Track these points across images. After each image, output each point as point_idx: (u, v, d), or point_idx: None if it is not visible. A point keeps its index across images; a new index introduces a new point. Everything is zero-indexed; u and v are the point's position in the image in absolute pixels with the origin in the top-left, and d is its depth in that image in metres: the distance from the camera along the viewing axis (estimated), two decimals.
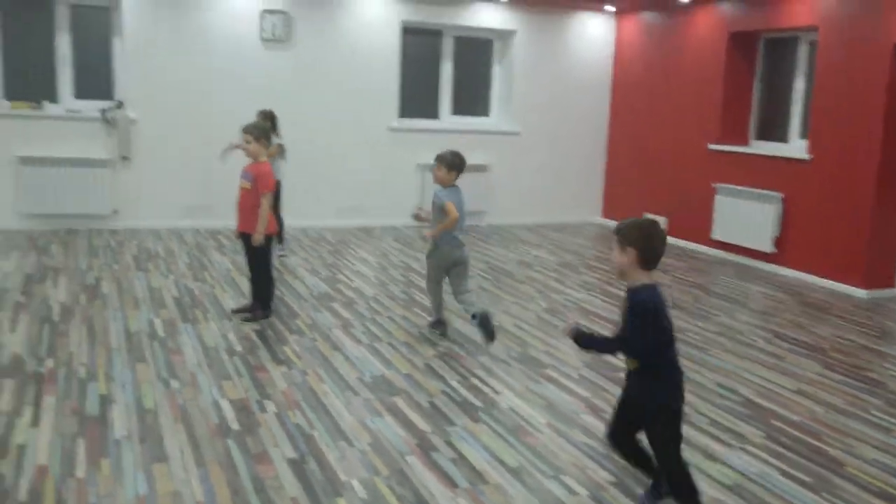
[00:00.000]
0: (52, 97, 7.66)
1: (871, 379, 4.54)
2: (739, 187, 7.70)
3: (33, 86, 7.59)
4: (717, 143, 8.04)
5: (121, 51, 7.72)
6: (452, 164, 5.04)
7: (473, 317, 4.75)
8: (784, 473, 3.31)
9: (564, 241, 8.43)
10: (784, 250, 7.32)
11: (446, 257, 4.84)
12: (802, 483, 3.23)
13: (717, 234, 7.96)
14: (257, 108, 6.81)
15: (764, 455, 3.47)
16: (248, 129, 4.99)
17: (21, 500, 2.76)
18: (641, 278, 2.68)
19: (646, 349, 2.71)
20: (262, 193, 4.86)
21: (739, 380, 4.42)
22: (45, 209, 7.40)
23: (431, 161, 8.61)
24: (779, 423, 3.83)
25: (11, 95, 7.49)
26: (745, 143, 8.09)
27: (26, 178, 7.29)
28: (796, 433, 3.73)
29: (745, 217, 7.61)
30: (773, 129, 7.95)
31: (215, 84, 7.89)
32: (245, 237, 4.99)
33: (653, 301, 2.66)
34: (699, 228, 8.29)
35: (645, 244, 2.66)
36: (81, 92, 7.77)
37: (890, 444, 3.67)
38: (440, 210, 4.86)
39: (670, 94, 8.64)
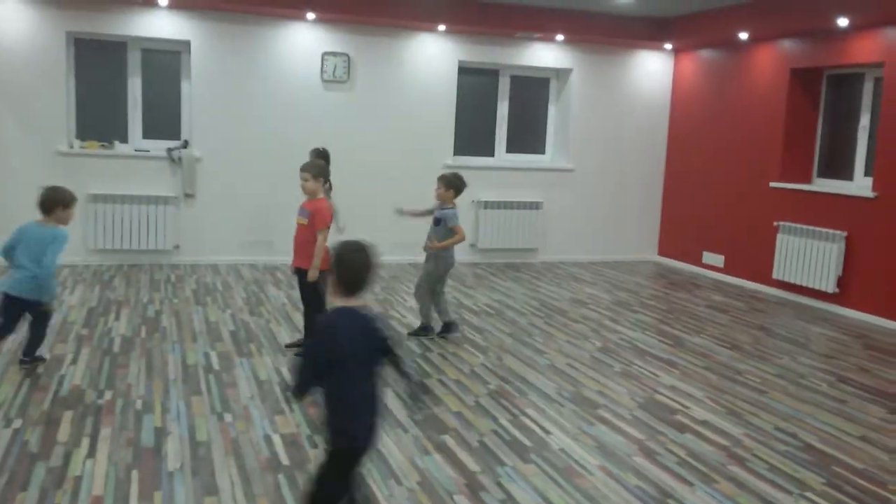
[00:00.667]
0: (123, 137, 7.97)
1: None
2: (802, 226, 7.51)
3: (104, 126, 7.92)
4: (779, 180, 7.88)
5: (188, 92, 8.01)
6: (451, 182, 5.74)
7: (447, 325, 5.65)
8: None
9: (619, 279, 8.33)
10: (847, 291, 7.09)
11: (446, 268, 5.69)
12: None
13: (779, 273, 7.76)
14: (312, 147, 6.94)
15: (825, 503, 3.34)
16: (306, 168, 5.10)
17: None
18: (337, 302, 2.60)
19: (299, 378, 2.51)
20: (318, 230, 4.95)
21: (800, 424, 4.27)
22: (112, 244, 7.67)
23: (486, 198, 8.75)
24: (841, 470, 3.68)
25: (83, 135, 7.83)
26: (808, 181, 7.91)
27: (95, 214, 7.58)
28: (860, 481, 3.58)
29: (808, 256, 7.41)
30: (838, 166, 7.75)
31: (277, 123, 8.10)
32: (300, 272, 5.07)
33: (323, 323, 2.58)
34: (760, 268, 8.09)
35: (338, 269, 2.60)
36: (150, 132, 8.07)
37: None
38: (445, 227, 5.66)
39: (729, 132, 8.53)
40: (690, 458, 3.74)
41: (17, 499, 3.00)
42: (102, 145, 7.79)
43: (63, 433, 3.64)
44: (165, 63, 8.09)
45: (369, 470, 3.42)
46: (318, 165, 5.15)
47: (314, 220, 4.96)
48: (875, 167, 6.92)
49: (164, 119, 8.13)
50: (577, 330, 6.10)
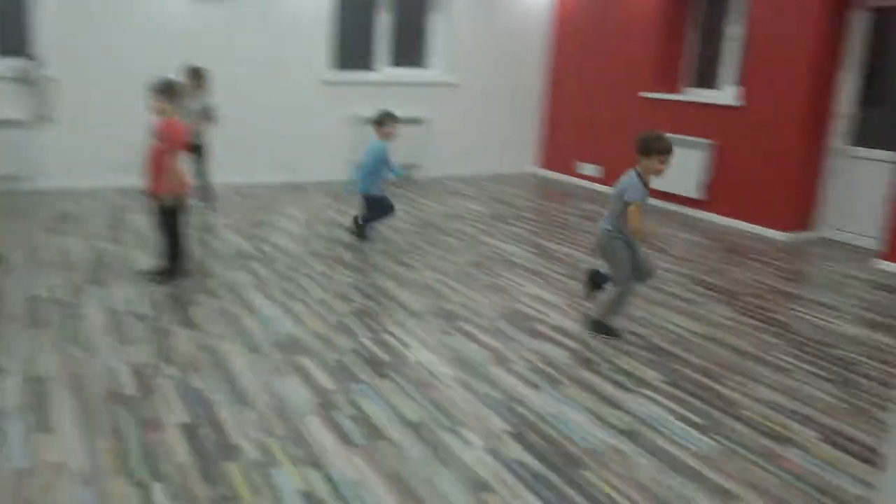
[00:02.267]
0: None
1: (776, 321, 4.64)
2: (671, 135, 7.71)
3: None
4: (651, 90, 8.02)
5: (41, 4, 7.38)
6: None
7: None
8: (679, 416, 3.37)
9: (499, 193, 8.41)
10: (714, 197, 7.39)
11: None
12: (695, 425, 3.30)
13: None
14: (183, 65, 6.59)
15: (661, 399, 3.53)
16: (152, 86, 4.83)
17: None
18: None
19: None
20: (171, 151, 4.72)
21: (650, 326, 4.48)
22: None
23: (367, 115, 8.56)
24: (681, 368, 3.90)
25: None
26: (678, 90, 8.09)
27: None
28: (697, 377, 3.80)
29: (676, 164, 7.62)
30: (708, 77, 7.95)
31: (140, 40, 7.60)
32: (154, 197, 4.86)
33: None
34: None
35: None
36: None
37: (787, 384, 3.76)
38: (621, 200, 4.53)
39: (606, 45, 8.58)
40: (542, 364, 3.87)
41: None
42: None
43: None
44: None
45: (218, 397, 3.38)
46: (165, 82, 4.87)
47: (166, 141, 4.72)
48: (742, 77, 7.13)
49: (11, 35, 7.48)
50: (450, 245, 6.14)
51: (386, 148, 5.99)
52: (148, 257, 5.41)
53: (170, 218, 4.84)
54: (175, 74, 6.16)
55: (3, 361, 3.65)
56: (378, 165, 5.97)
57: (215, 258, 5.49)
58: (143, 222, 6.42)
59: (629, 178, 4.13)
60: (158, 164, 4.73)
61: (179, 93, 4.87)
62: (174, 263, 4.94)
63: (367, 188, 6.01)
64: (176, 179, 4.75)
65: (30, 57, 7.47)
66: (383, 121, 6.01)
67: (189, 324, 4.24)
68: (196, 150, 6.57)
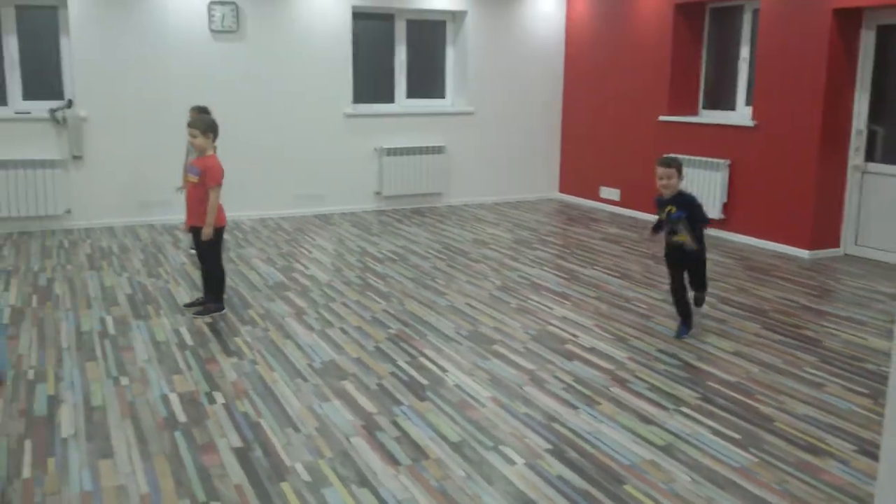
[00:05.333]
0: (1, 99, 7.59)
1: (807, 337, 4.70)
2: (689, 156, 7.83)
3: None
4: (667, 114, 8.16)
5: (68, 49, 7.66)
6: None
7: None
8: (715, 432, 3.45)
9: (521, 218, 8.54)
10: (732, 216, 7.48)
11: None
12: (732, 440, 3.37)
13: None
14: (190, 103, 6.75)
15: (697, 416, 3.60)
16: (193, 124, 5.02)
17: None
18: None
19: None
20: (210, 187, 4.89)
21: (680, 345, 4.56)
22: None
23: (388, 145, 8.75)
24: (715, 385, 3.97)
25: None
26: (694, 112, 8.22)
27: None
28: (731, 393, 3.87)
29: (696, 185, 7.75)
30: (721, 98, 8.08)
31: (166, 78, 7.85)
32: (195, 231, 5.02)
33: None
34: (652, 199, 8.39)
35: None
36: (31, 93, 7.71)
37: (820, 399, 3.82)
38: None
39: (620, 69, 8.74)
40: (576, 384, 3.97)
41: None
42: None
43: None
44: (42, 19, 7.70)
45: (267, 420, 3.50)
46: (206, 121, 5.06)
47: (205, 178, 4.90)
48: (754, 96, 7.25)
49: (45, 78, 7.77)
50: (477, 270, 6.26)
51: None
52: (187, 290, 5.57)
53: (210, 251, 5.00)
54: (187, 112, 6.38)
55: (61, 392, 3.79)
56: None
57: (252, 289, 5.64)
58: (178, 257, 6.59)
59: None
60: (199, 199, 4.91)
61: (216, 130, 5.06)
62: (216, 294, 5.09)
63: None
64: (215, 214, 4.92)
65: (61, 98, 7.74)
66: None
67: (232, 352, 4.37)
68: None
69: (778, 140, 6.98)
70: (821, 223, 6.79)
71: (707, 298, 5.47)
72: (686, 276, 4.71)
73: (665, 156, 4.70)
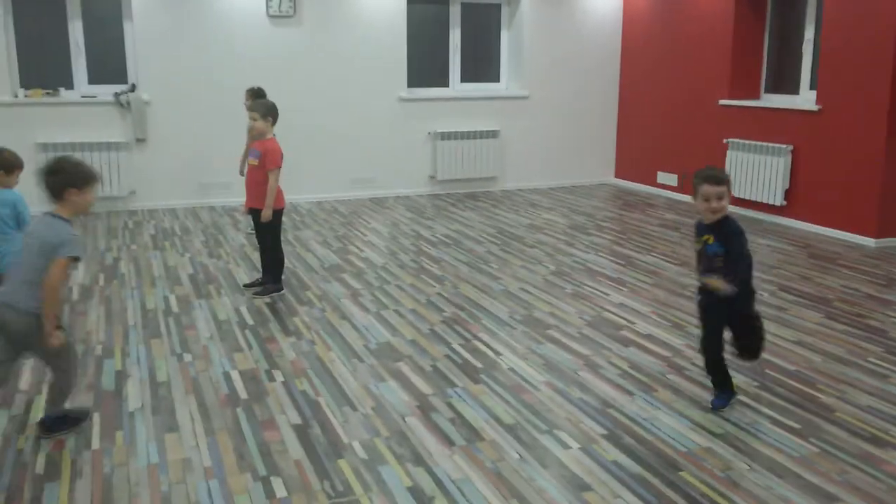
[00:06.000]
0: (68, 83, 7.83)
1: (872, 327, 4.58)
2: (750, 141, 7.66)
3: (48, 73, 7.77)
4: (728, 98, 7.98)
5: (132, 34, 7.85)
6: None
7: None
8: (774, 421, 3.39)
9: (576, 203, 8.47)
10: (794, 203, 7.30)
11: None
12: (791, 430, 3.31)
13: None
14: (248, 86, 6.81)
15: (756, 405, 3.55)
16: (253, 107, 5.11)
17: (38, 472, 2.94)
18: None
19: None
20: (269, 170, 4.98)
21: None
22: None
23: (442, 129, 8.76)
24: (774, 373, 3.90)
25: (27, 83, 7.67)
26: (756, 96, 8.02)
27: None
28: (792, 382, 3.80)
29: (757, 171, 7.58)
30: (784, 81, 7.86)
31: (224, 62, 7.99)
32: (254, 213, 5.12)
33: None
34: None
35: None
36: (96, 77, 7.93)
37: (885, 390, 3.73)
38: None
39: (679, 51, 8.57)
40: (632, 370, 3.94)
41: None
42: (48, 93, 7.65)
43: (24, 382, 3.73)
44: (106, 5, 7.90)
45: (325, 399, 3.57)
46: (267, 105, 5.13)
47: (265, 161, 4.98)
48: (819, 80, 7.04)
49: (109, 63, 7.98)
50: (532, 255, 6.25)
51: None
52: (247, 271, 5.70)
53: (270, 233, 5.10)
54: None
55: (128, 368, 3.93)
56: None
57: (309, 270, 5.73)
58: (238, 238, 6.73)
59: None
60: (259, 182, 5.00)
61: (275, 113, 5.14)
62: (275, 275, 5.19)
63: None
64: (274, 196, 5.00)
65: (125, 82, 7.94)
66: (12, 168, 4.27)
67: (290, 332, 4.46)
68: None
69: (843, 125, 6.77)
70: (887, 210, 6.57)
71: (767, 286, 5.37)
72: (730, 334, 3.50)
73: (712, 169, 3.51)
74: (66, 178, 3.14)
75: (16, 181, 4.23)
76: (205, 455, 3.06)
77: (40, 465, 2.99)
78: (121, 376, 3.81)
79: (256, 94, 6.54)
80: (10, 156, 4.19)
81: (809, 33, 7.46)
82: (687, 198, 8.55)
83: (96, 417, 3.37)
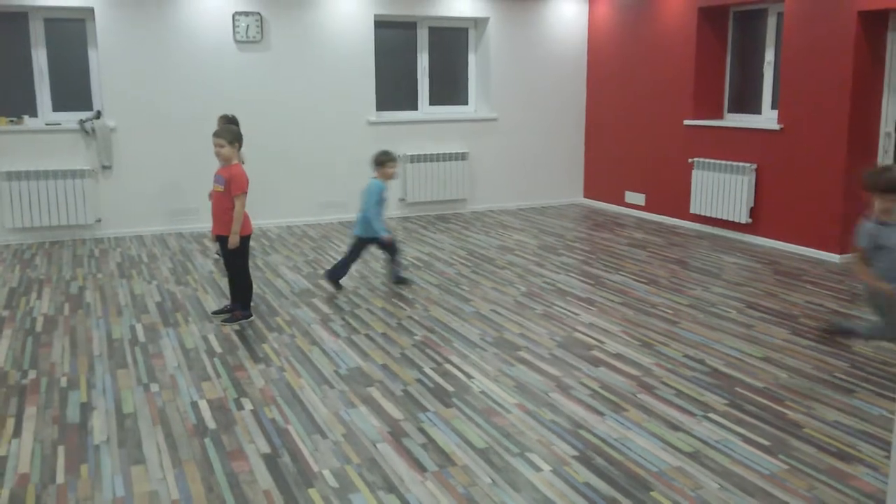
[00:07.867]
0: (32, 111, 7.74)
1: (837, 343, 4.64)
2: (715, 160, 7.78)
3: (12, 100, 7.68)
4: (692, 118, 8.11)
5: (97, 61, 7.80)
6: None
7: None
8: (744, 439, 3.42)
9: (546, 224, 8.52)
10: (759, 220, 7.42)
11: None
12: (760, 446, 3.34)
13: (696, 208, 8.06)
14: (219, 114, 6.82)
15: (725, 422, 3.58)
16: (219, 133, 5.08)
17: None
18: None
19: None
20: (236, 195, 4.95)
21: (708, 351, 4.53)
22: (31, 222, 7.50)
23: (412, 152, 8.79)
24: (743, 391, 3.94)
25: None
26: (719, 116, 8.17)
27: (10, 192, 7.38)
28: (760, 399, 3.84)
29: (722, 190, 7.70)
30: (746, 101, 8.02)
31: (191, 88, 7.96)
32: (221, 239, 5.08)
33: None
34: (678, 204, 8.38)
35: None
36: (60, 104, 7.85)
37: (851, 405, 3.78)
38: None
39: (644, 73, 8.71)
40: (603, 390, 3.95)
41: None
42: (11, 121, 7.55)
43: None
44: (70, 32, 7.84)
45: (294, 427, 3.53)
46: (232, 131, 5.12)
47: (230, 187, 4.96)
48: (780, 100, 7.19)
49: (74, 90, 7.91)
50: (503, 276, 6.26)
51: (383, 186, 5.89)
52: (215, 298, 5.64)
53: (237, 259, 5.06)
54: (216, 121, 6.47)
55: (94, 399, 3.85)
56: (379, 205, 5.84)
57: (279, 296, 5.69)
58: (206, 265, 6.67)
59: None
60: (226, 208, 4.96)
61: (240, 140, 5.12)
62: (244, 302, 5.14)
63: (378, 230, 5.81)
64: (241, 222, 4.97)
65: (90, 109, 7.87)
66: (384, 161, 5.93)
67: (259, 359, 4.41)
68: None
69: (805, 143, 6.91)
70: (850, 226, 6.69)
71: (734, 304, 5.44)
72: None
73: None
74: None
75: None
76: (172, 488, 3.01)
77: (4, 501, 2.91)
78: (86, 408, 3.74)
79: (228, 122, 6.53)
80: None
81: (770, 55, 7.62)
82: (656, 216, 8.65)
83: (61, 450, 3.30)
